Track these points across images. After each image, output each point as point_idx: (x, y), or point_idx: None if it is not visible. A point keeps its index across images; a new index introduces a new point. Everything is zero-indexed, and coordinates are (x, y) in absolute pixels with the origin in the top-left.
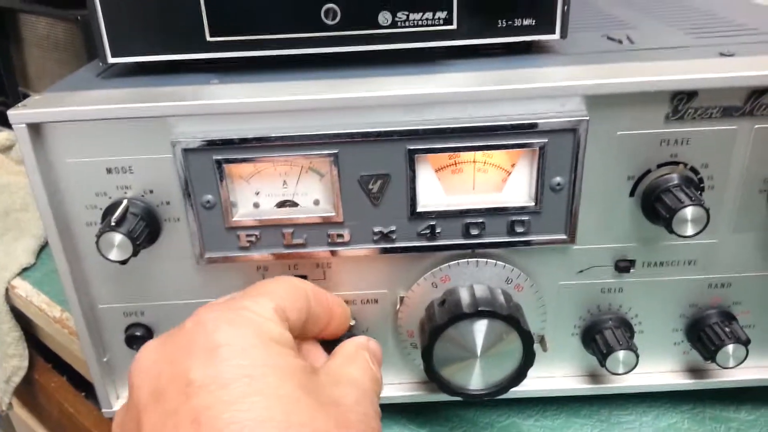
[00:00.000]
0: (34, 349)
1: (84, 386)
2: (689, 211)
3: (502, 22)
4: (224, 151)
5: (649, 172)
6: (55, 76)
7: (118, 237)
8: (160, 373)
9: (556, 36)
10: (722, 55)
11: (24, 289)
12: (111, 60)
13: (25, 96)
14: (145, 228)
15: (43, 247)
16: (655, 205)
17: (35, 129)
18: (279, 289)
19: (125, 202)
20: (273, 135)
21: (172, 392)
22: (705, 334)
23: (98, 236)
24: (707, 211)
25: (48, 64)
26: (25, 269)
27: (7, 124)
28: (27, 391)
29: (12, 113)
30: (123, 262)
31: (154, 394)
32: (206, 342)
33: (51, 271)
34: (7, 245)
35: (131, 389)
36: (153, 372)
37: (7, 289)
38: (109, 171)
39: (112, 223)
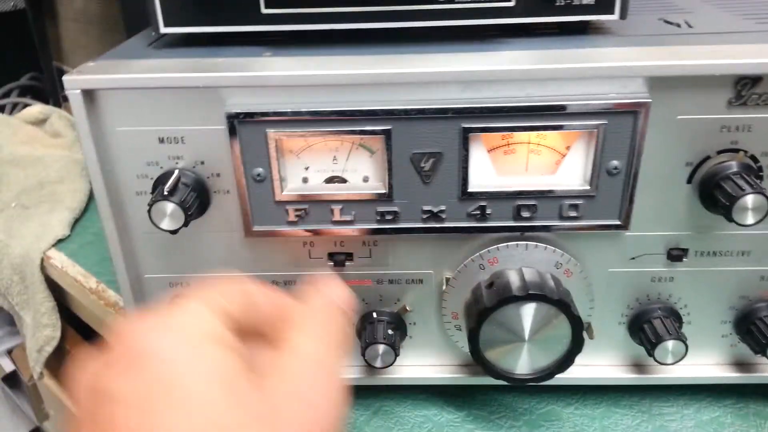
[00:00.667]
0: (65, 320)
1: None
2: (750, 199)
3: (560, 1)
4: (277, 124)
5: (707, 158)
6: (90, 50)
7: (170, 206)
8: (88, 393)
9: (615, 16)
10: None
11: (59, 259)
12: (163, 30)
13: (60, 70)
14: (196, 199)
15: (78, 220)
16: (714, 193)
17: (89, 96)
18: (213, 289)
19: (177, 172)
20: (326, 109)
21: (97, 411)
22: (756, 327)
23: (150, 205)
24: None
25: (83, 38)
26: (59, 241)
27: (41, 98)
28: (57, 361)
29: (67, 79)
30: (173, 232)
31: (85, 413)
32: (128, 353)
33: (86, 243)
34: (42, 217)
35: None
36: (82, 393)
37: (42, 260)
38: (161, 141)
39: (165, 193)
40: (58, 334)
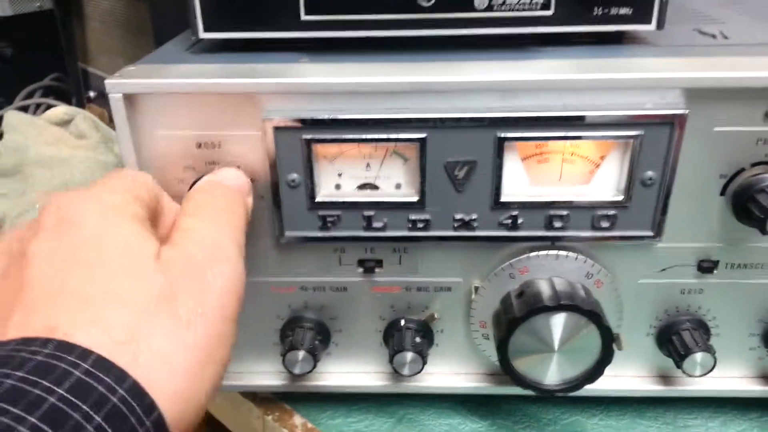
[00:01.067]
0: None
1: None
2: None
3: (598, 10)
4: (314, 131)
5: (742, 170)
6: (116, 52)
7: None
8: (10, 257)
9: (652, 27)
10: None
11: None
12: (203, 35)
13: (84, 72)
14: None
15: None
16: (748, 205)
17: (130, 99)
18: (129, 177)
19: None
20: (362, 117)
21: (11, 270)
22: None
23: None
24: None
25: (109, 40)
26: None
27: (64, 99)
28: None
29: (109, 82)
30: None
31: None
32: (52, 220)
33: None
34: None
35: None
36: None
37: None
38: (198, 145)
39: None
40: None
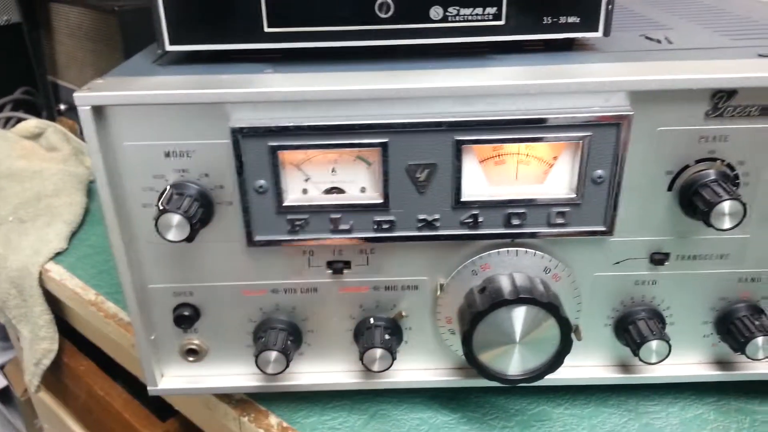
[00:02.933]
0: (62, 334)
1: (110, 370)
2: (727, 205)
3: (547, 19)
4: (279, 138)
5: (687, 167)
6: (86, 65)
7: (176, 218)
8: None
9: (599, 34)
10: (761, 56)
11: (58, 273)
12: (169, 48)
13: (54, 85)
14: (200, 210)
15: (75, 233)
16: (693, 199)
17: (98, 111)
18: None
19: (169, 188)
20: (326, 123)
21: None
22: (735, 327)
23: (156, 218)
24: (744, 205)
25: (78, 53)
26: (57, 254)
27: (33, 113)
28: (53, 375)
29: (78, 95)
30: (188, 240)
31: None
32: None
33: (83, 255)
34: (39, 230)
35: None
36: None
37: (40, 273)
38: (167, 155)
39: (161, 206)
40: (56, 347)
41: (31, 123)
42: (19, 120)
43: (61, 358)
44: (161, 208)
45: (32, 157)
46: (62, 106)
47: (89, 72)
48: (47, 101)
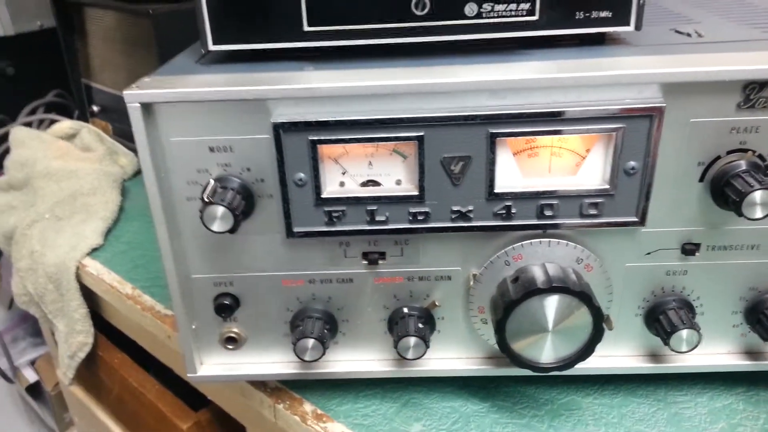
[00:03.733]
0: (96, 327)
1: (143, 363)
2: (759, 195)
3: (579, 14)
4: (319, 133)
5: (718, 158)
6: (119, 68)
7: (220, 210)
8: None
9: (631, 28)
10: None
11: (95, 267)
12: (212, 47)
13: (88, 87)
14: (243, 203)
15: (110, 229)
16: (725, 190)
17: (147, 108)
18: None
19: (212, 182)
20: (364, 118)
21: None
22: (765, 316)
23: (202, 210)
24: None
25: (112, 56)
26: (93, 250)
27: (66, 115)
28: (86, 368)
29: (127, 93)
30: (231, 231)
31: None
32: None
33: (119, 252)
34: (76, 227)
35: None
36: None
37: (77, 268)
38: (211, 150)
39: (206, 199)
40: (91, 340)
41: (66, 124)
42: (53, 122)
43: (95, 351)
44: (206, 200)
45: (68, 158)
46: (95, 108)
47: (123, 74)
48: (81, 103)
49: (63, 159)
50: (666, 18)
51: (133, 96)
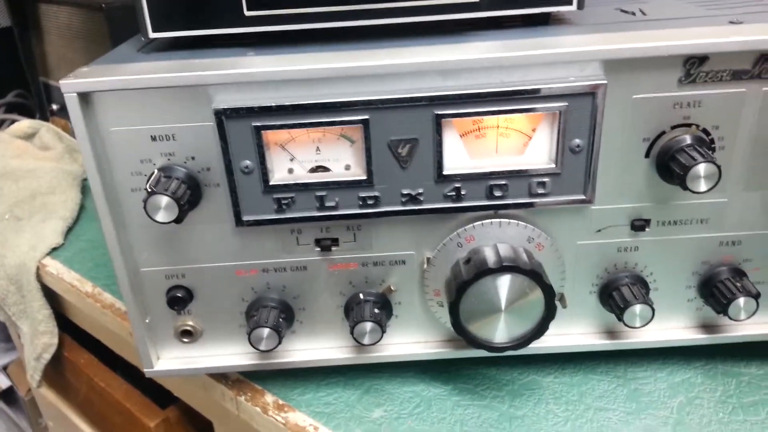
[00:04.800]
0: (61, 327)
1: (109, 362)
2: (702, 168)
3: None
4: (262, 118)
5: (663, 133)
6: (76, 64)
7: (164, 199)
8: None
9: (573, 7)
10: (732, 23)
11: (55, 267)
12: (152, 35)
13: (46, 86)
14: (188, 192)
15: (71, 228)
16: (670, 164)
17: (84, 98)
18: None
19: (156, 171)
20: (307, 102)
21: None
22: (717, 290)
23: (145, 200)
24: (719, 167)
25: (68, 53)
26: (54, 249)
27: (27, 115)
28: (54, 369)
29: (63, 82)
30: (177, 221)
31: None
32: None
33: (80, 250)
34: (35, 226)
35: None
36: None
37: (38, 268)
38: (153, 138)
39: (149, 189)
40: (55, 341)
41: (24, 123)
42: (12, 122)
43: (61, 352)
44: (149, 190)
45: (26, 157)
46: (54, 106)
47: None
48: (39, 102)
49: (21, 158)
50: None
51: (70, 85)
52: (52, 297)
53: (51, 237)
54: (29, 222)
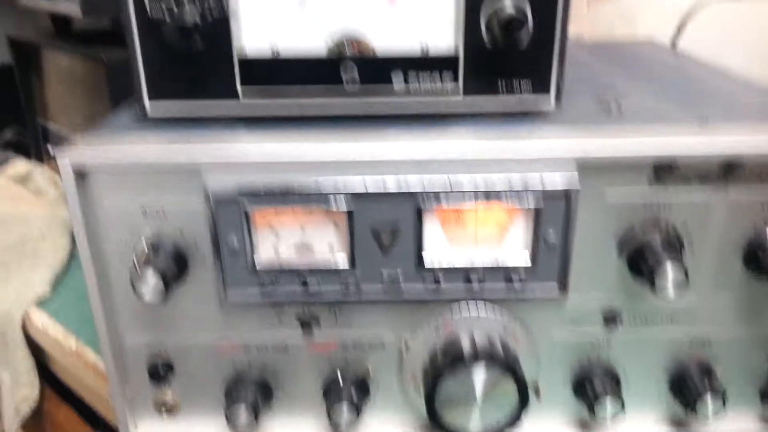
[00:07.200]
0: (43, 380)
1: (90, 419)
2: (669, 270)
3: (502, 89)
4: (251, 199)
5: (633, 233)
6: (75, 109)
7: (151, 278)
8: None
9: (551, 107)
10: (700, 124)
11: (40, 320)
12: (151, 115)
13: (44, 128)
14: (175, 268)
15: (60, 277)
16: (640, 264)
17: (78, 170)
18: None
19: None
20: (296, 186)
21: None
22: (686, 387)
23: (132, 279)
24: (686, 269)
25: (68, 98)
26: (41, 298)
27: (23, 153)
28: (34, 422)
29: (59, 155)
30: (162, 301)
31: None
32: None
33: (67, 302)
34: (24, 274)
35: None
36: None
37: (23, 319)
38: (144, 213)
39: (137, 265)
40: (36, 394)
41: (20, 167)
42: (6, 160)
43: (42, 405)
44: (137, 267)
45: (19, 201)
46: (51, 149)
47: (78, 117)
48: (36, 142)
49: (13, 202)
50: (593, 86)
51: (65, 158)
52: (36, 348)
53: (38, 286)
54: (18, 269)
